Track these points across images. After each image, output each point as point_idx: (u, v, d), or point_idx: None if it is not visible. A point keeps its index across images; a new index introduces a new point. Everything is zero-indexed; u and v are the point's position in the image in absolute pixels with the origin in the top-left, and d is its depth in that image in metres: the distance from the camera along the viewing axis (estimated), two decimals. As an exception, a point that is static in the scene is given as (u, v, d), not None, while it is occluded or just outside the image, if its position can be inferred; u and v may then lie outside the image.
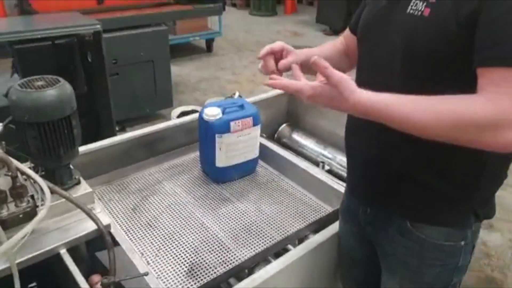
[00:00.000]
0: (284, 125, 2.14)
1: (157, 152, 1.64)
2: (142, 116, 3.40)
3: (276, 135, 2.14)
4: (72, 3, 2.78)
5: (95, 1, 2.95)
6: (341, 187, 1.37)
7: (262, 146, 1.61)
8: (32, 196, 1.01)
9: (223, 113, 1.41)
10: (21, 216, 0.97)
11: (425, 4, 0.85)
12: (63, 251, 1.01)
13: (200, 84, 4.72)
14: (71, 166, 1.17)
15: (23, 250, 0.94)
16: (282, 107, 2.17)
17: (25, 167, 0.96)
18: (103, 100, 2.49)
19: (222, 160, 1.43)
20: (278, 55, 1.08)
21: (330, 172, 1.74)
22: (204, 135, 1.44)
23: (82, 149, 1.45)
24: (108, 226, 1.08)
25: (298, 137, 2.06)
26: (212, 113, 1.39)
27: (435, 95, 0.79)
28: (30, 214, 0.98)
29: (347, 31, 1.17)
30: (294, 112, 2.17)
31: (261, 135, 2.01)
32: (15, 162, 0.93)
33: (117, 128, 2.84)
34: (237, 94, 2.20)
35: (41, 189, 0.97)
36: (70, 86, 1.04)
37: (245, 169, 1.54)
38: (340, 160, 1.83)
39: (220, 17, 6.02)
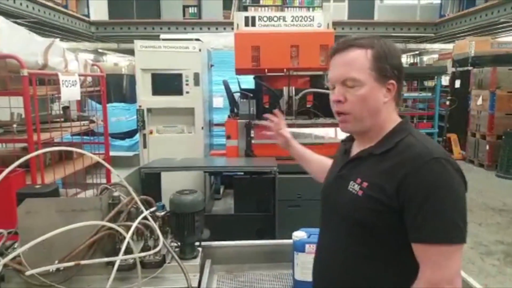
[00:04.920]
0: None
1: (273, 260, 2.16)
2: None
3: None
4: (280, 151, 3.82)
5: (295, 150, 3.94)
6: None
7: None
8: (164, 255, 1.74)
9: (307, 237, 1.85)
10: (153, 263, 1.69)
11: (359, 187, 1.20)
12: (167, 293, 1.66)
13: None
14: (199, 249, 1.86)
15: (147, 284, 1.65)
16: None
17: (162, 237, 1.71)
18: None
19: (298, 274, 1.82)
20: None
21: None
22: (292, 251, 1.90)
23: (229, 243, 2.15)
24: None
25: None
26: (298, 235, 1.85)
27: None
28: (159, 264, 1.71)
29: None
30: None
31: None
32: (159, 232, 1.70)
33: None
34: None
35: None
36: (203, 196, 1.79)
37: (323, 290, 1.85)
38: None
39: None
